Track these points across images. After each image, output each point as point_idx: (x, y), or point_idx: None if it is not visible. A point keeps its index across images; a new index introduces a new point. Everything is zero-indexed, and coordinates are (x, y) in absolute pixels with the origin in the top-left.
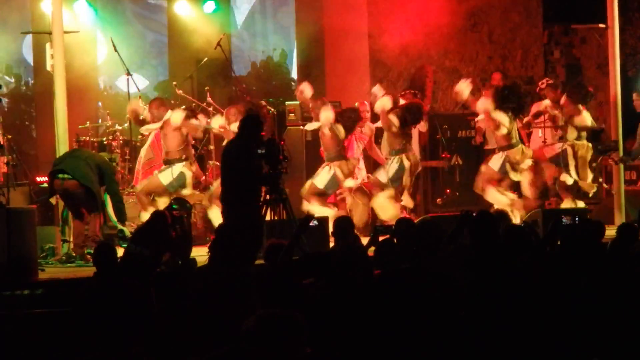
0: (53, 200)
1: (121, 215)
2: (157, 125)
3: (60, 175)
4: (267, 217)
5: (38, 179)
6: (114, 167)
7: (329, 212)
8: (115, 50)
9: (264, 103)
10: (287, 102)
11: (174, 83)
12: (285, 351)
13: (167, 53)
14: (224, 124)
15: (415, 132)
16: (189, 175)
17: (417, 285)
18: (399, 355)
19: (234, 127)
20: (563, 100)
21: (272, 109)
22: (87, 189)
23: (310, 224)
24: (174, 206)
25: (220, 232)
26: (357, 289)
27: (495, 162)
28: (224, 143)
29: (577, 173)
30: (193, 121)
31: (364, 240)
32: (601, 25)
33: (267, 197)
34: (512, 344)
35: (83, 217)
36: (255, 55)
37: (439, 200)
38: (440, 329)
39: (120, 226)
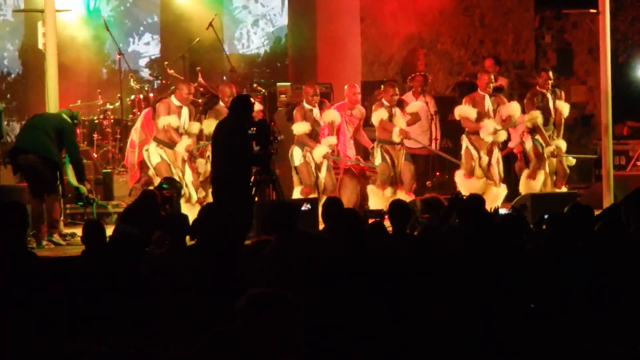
0: (17, 177)
1: (80, 175)
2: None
3: (22, 155)
4: (256, 198)
5: None
6: (73, 125)
7: None
8: (108, 30)
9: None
10: (278, 83)
11: (166, 63)
12: (279, 330)
13: (159, 33)
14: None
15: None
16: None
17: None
18: (394, 335)
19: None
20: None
21: (263, 90)
22: (48, 159)
23: (303, 208)
24: (164, 185)
25: (204, 212)
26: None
27: None
28: None
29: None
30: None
31: None
32: (592, 11)
33: (257, 177)
34: (501, 325)
35: (43, 197)
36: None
37: (428, 183)
38: (434, 307)
39: (76, 184)
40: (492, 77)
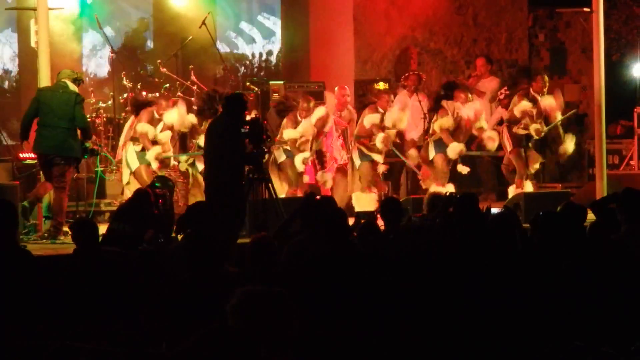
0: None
1: (87, 135)
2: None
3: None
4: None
5: (21, 155)
6: (81, 97)
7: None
8: (101, 28)
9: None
10: (270, 82)
11: (159, 61)
12: (272, 329)
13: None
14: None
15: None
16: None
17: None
18: (387, 334)
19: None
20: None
21: (256, 88)
22: (69, 157)
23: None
24: (157, 184)
25: (193, 210)
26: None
27: None
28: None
29: None
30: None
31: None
32: (586, 9)
33: (250, 176)
34: (492, 323)
35: (46, 188)
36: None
37: (421, 182)
38: (426, 303)
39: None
40: (469, 95)
